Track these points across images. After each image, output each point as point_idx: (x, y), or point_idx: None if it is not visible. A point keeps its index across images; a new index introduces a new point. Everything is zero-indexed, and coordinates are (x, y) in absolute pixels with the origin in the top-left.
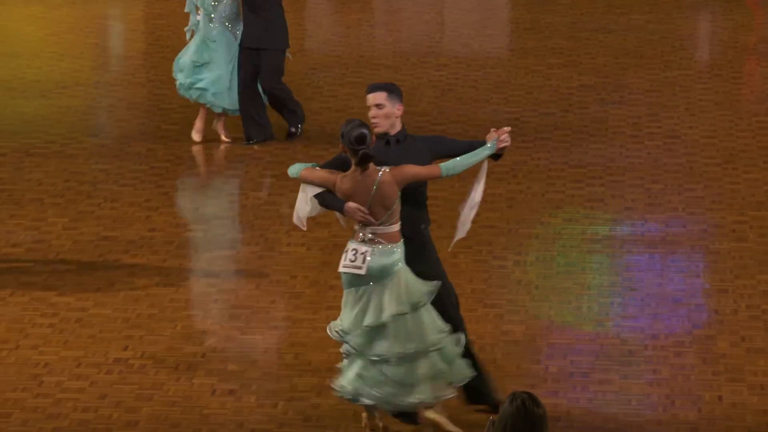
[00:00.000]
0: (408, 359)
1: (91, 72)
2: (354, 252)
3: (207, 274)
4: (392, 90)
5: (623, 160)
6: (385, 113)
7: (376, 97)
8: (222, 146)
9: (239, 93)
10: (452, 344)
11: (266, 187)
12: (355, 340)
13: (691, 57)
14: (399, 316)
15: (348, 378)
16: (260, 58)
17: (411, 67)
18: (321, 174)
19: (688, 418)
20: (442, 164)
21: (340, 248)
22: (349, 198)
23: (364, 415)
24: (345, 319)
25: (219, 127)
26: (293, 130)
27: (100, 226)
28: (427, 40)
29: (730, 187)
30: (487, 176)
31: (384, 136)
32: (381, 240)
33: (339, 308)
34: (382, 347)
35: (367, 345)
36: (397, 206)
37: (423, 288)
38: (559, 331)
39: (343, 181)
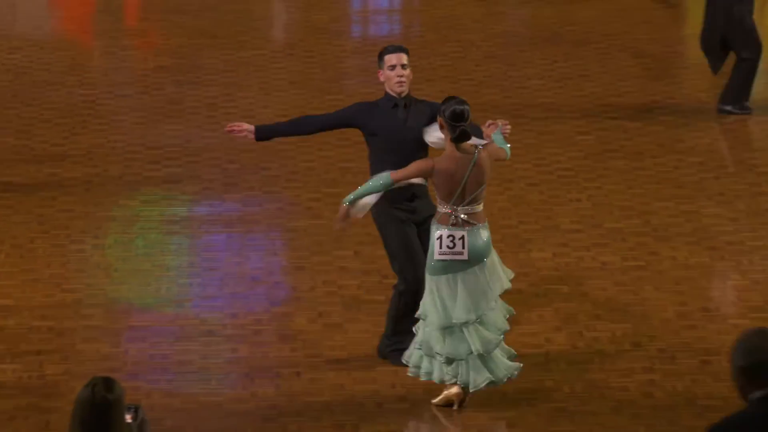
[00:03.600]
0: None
1: None
2: (450, 238)
3: None
4: (407, 51)
5: (200, 140)
6: (408, 74)
7: (401, 58)
8: None
9: None
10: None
11: None
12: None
13: (265, 36)
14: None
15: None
16: None
17: None
18: (414, 167)
19: (267, 395)
20: (506, 148)
21: None
22: (450, 177)
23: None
24: (457, 309)
25: None
26: None
27: None
28: None
29: (305, 164)
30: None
31: (393, 99)
32: (472, 220)
33: None
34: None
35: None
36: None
37: (507, 271)
38: (139, 313)
39: (440, 162)
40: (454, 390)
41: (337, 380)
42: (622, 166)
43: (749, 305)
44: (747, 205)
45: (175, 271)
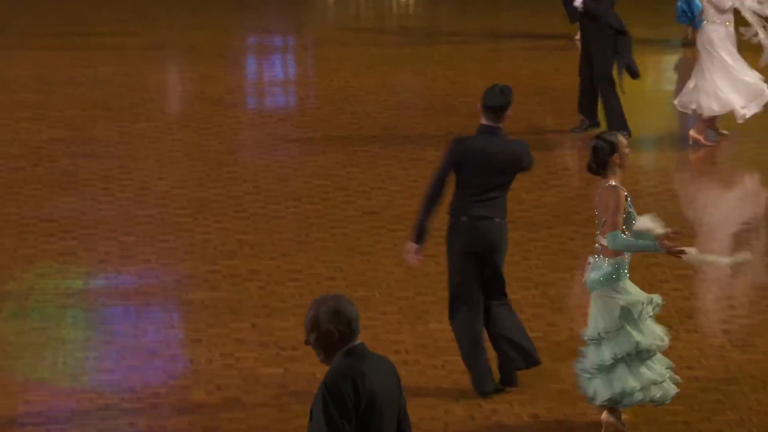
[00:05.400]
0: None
1: None
2: (589, 263)
3: None
4: None
5: (95, 212)
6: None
7: None
8: None
9: None
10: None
11: None
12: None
13: (160, 108)
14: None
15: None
16: None
17: None
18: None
19: None
20: (612, 233)
21: None
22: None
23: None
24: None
25: None
26: None
27: None
28: None
29: (202, 237)
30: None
31: (494, 129)
32: (599, 252)
33: None
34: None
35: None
36: (604, 221)
37: (616, 314)
38: (35, 388)
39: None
40: (603, 416)
41: None
42: (518, 238)
43: None
44: (642, 276)
45: (72, 344)
